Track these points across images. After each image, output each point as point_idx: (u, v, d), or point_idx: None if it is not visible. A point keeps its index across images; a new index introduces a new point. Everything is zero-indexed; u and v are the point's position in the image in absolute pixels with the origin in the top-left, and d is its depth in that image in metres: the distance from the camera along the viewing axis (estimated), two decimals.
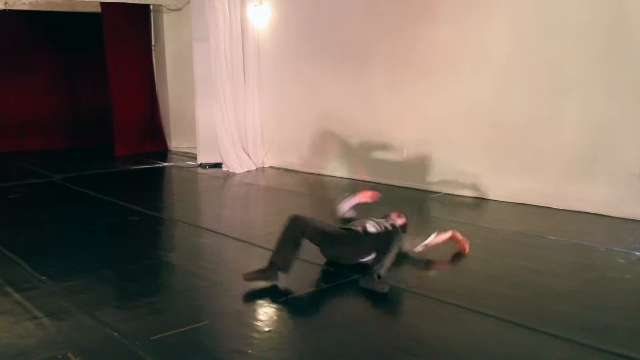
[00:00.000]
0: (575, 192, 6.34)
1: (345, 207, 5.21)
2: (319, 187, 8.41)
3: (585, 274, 4.56)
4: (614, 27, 5.93)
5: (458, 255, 4.99)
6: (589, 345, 3.31)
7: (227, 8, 9.51)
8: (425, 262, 4.83)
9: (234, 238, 5.71)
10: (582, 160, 6.29)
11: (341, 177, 8.71)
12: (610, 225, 5.88)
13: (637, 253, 4.92)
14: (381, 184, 8.22)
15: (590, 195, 6.23)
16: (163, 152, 12.35)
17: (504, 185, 6.91)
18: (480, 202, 7.00)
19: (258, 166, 10.00)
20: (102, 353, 3.36)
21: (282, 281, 4.47)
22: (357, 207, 5.26)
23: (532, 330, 3.51)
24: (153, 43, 12.57)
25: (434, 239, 4.95)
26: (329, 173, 8.95)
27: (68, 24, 12.92)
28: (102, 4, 11.50)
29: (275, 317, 3.88)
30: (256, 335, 3.58)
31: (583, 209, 6.25)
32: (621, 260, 4.78)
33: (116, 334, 3.56)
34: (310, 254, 4.78)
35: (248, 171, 9.69)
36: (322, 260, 4.84)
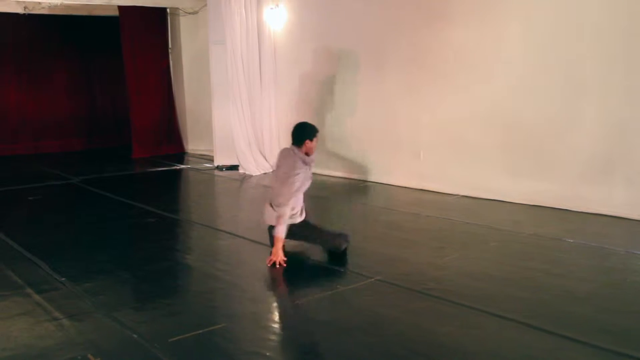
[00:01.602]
0: (593, 194, 6.29)
1: None
2: (335, 189, 8.41)
3: (604, 277, 4.51)
4: (631, 28, 5.87)
5: (474, 258, 4.97)
6: (608, 349, 3.28)
7: (243, 11, 9.56)
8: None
9: (251, 240, 5.73)
10: (600, 161, 6.24)
11: (357, 180, 8.71)
12: (629, 228, 5.82)
13: None
14: (396, 185, 8.21)
15: (608, 197, 6.17)
16: (180, 154, 12.43)
17: (521, 187, 6.87)
18: (496, 204, 6.96)
19: (275, 168, 10.01)
20: (121, 354, 3.39)
21: (299, 283, 4.49)
22: None
23: (550, 334, 3.49)
24: (170, 46, 12.66)
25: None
26: (345, 175, 8.95)
27: (86, 27, 13.07)
28: (119, 7, 11.61)
29: (292, 320, 3.89)
30: (273, 337, 3.59)
31: (601, 211, 6.19)
32: None
33: (135, 335, 3.59)
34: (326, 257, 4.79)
35: (265, 173, 9.72)
36: (339, 263, 4.86)
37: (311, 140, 5.13)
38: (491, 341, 3.47)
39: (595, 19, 6.12)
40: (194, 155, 12.19)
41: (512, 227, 5.90)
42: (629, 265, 4.74)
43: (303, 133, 5.15)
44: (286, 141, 10.02)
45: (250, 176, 9.54)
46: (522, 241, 5.48)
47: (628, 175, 6.04)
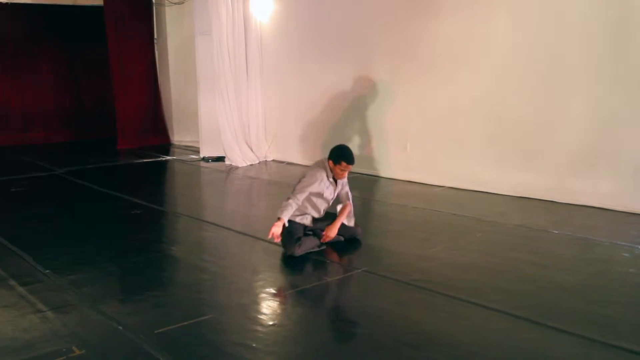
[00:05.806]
0: (579, 186, 6.33)
1: None
2: None
3: (589, 268, 4.55)
4: (618, 22, 5.90)
5: (460, 249, 4.99)
6: (593, 339, 3.31)
7: (229, 1, 9.50)
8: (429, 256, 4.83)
9: (237, 231, 5.71)
10: (586, 154, 6.27)
11: None
12: (614, 219, 5.86)
13: None
14: (384, 177, 8.22)
15: (594, 189, 6.21)
16: (166, 145, 12.37)
17: (507, 179, 6.90)
18: (483, 195, 6.98)
19: (261, 160, 10.00)
20: (106, 346, 3.36)
21: (287, 275, 4.48)
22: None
23: (536, 324, 3.51)
24: (155, 37, 12.56)
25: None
26: None
27: (71, 17, 12.93)
28: None
29: (279, 311, 3.87)
30: (260, 328, 3.57)
31: (587, 202, 6.24)
32: (625, 254, 4.77)
33: (120, 327, 3.56)
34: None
35: (251, 165, 9.69)
36: (326, 254, 4.87)
37: (334, 163, 4.98)
38: (478, 332, 3.48)
39: (584, 10, 6.13)
40: (179, 147, 12.13)
41: (498, 219, 5.92)
42: (613, 256, 4.78)
43: (330, 152, 5.02)
44: (273, 132, 10.02)
45: (237, 167, 9.50)
46: (508, 232, 5.51)
47: (613, 167, 6.08)
